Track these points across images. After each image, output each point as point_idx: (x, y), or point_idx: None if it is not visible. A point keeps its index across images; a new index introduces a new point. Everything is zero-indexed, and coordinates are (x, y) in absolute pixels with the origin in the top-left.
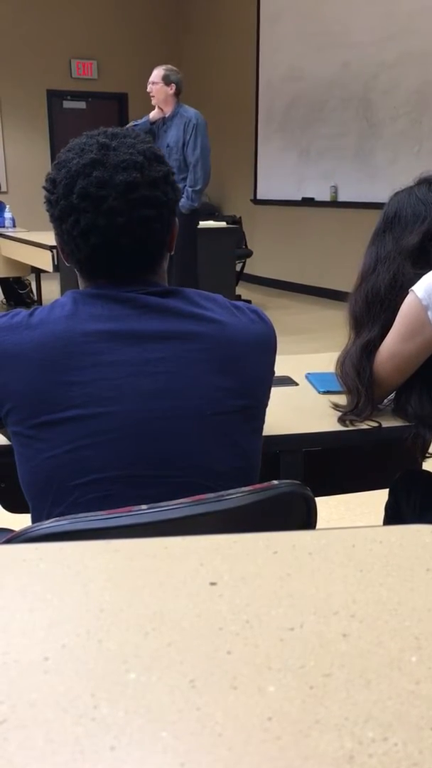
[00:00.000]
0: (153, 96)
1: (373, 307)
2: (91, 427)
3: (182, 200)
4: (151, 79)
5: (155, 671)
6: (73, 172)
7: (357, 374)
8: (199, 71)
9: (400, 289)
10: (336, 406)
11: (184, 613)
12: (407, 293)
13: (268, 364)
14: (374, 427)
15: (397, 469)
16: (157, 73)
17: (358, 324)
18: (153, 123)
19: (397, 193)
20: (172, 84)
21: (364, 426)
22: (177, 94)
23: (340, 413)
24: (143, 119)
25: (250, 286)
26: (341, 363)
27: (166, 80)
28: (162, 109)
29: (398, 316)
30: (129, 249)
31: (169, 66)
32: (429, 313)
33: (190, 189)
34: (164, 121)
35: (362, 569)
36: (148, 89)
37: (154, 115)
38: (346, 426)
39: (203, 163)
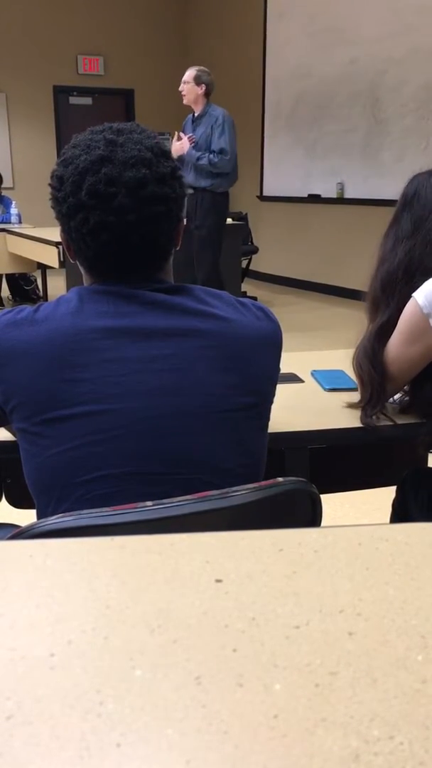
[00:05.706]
0: (184, 95)
1: (388, 289)
2: (96, 424)
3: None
4: (184, 78)
5: (161, 668)
6: (81, 169)
7: (370, 363)
8: (206, 68)
9: (416, 270)
10: (350, 405)
11: (189, 611)
12: (419, 280)
13: (274, 361)
14: (389, 425)
15: (403, 467)
16: (190, 74)
17: (373, 310)
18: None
19: (416, 175)
20: (203, 84)
21: (381, 423)
22: (207, 94)
23: (358, 415)
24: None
25: (255, 282)
26: (355, 355)
27: (197, 80)
28: (193, 108)
29: (400, 320)
30: (138, 246)
31: (202, 67)
32: (431, 320)
33: (208, 163)
34: (194, 120)
35: (368, 567)
36: (180, 88)
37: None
38: (373, 424)
39: (230, 149)
